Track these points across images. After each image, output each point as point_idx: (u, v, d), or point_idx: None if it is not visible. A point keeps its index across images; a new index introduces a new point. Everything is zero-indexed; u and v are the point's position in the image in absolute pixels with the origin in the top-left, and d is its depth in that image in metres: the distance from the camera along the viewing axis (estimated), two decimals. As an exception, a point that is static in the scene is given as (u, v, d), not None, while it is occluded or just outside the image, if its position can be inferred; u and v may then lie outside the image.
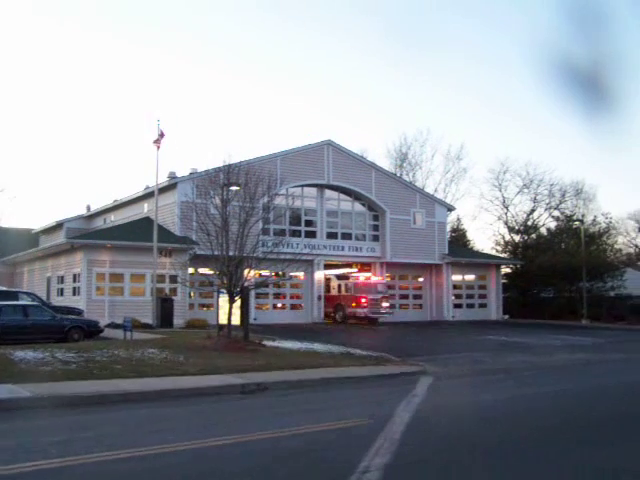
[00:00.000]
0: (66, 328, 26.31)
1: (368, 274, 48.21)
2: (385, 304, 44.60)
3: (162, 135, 34.50)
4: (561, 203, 70.01)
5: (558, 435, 11.49)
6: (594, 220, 67.47)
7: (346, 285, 45.68)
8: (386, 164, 67.97)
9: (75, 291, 37.65)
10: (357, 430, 11.58)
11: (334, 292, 46.25)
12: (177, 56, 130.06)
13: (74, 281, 37.97)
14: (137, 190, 45.15)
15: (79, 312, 32.50)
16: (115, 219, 48.03)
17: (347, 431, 11.53)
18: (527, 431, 11.89)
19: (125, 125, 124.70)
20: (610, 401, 15.94)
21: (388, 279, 49.39)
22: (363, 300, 43.62)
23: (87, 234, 43.98)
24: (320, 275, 45.87)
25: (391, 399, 14.89)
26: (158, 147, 34.58)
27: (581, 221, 60.97)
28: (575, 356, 27.67)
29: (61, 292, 39.99)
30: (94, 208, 53.65)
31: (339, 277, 47.05)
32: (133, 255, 36.98)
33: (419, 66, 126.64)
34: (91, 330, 27.33)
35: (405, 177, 66.23)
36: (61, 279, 40.37)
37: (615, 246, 70.76)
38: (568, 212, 69.30)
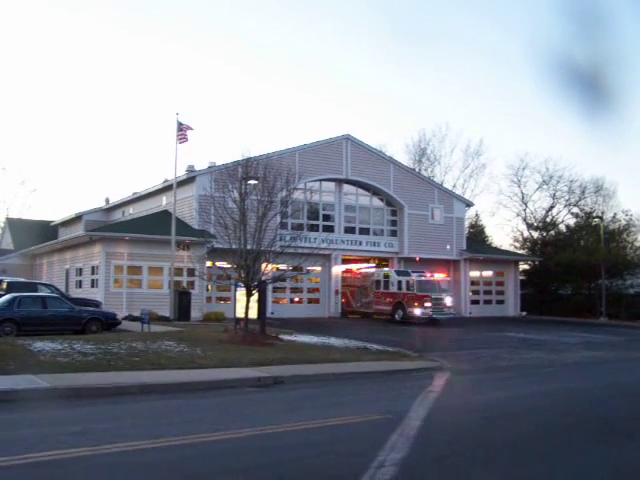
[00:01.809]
0: (84, 320, 26.46)
1: (438, 274, 45.27)
2: (449, 303, 42.50)
3: (187, 128, 34.60)
4: (580, 200, 69.53)
5: (573, 433, 11.45)
6: (614, 217, 67.00)
7: (408, 283, 41.94)
8: (405, 159, 67.89)
9: (93, 283, 37.83)
10: (373, 425, 11.58)
11: (393, 289, 42.71)
12: (198, 51, 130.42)
13: (92, 273, 38.15)
14: (156, 183, 45.28)
15: (97, 304, 32.66)
16: (134, 212, 48.15)
17: (363, 426, 11.54)
18: (543, 428, 11.83)
19: (145, 118, 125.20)
20: (627, 399, 15.84)
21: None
22: (427, 299, 40.79)
23: (106, 227, 44.14)
24: (338, 270, 45.80)
25: (407, 394, 14.88)
26: (183, 140, 34.77)
27: (601, 218, 60.53)
28: (592, 354, 27.55)
29: (79, 284, 40.20)
30: (113, 201, 53.84)
31: (400, 273, 43.79)
32: (151, 248, 37.10)
33: (437, 63, 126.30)
34: (109, 322, 27.46)
35: (424, 172, 66.05)
36: (79, 271, 40.58)
37: (635, 243, 70.26)
38: (588, 209, 68.80)
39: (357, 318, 44.59)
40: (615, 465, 9.34)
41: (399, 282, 42.50)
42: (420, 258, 48.04)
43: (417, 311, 40.73)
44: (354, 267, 47.68)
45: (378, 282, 44.13)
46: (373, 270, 46.06)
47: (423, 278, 42.53)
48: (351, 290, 46.26)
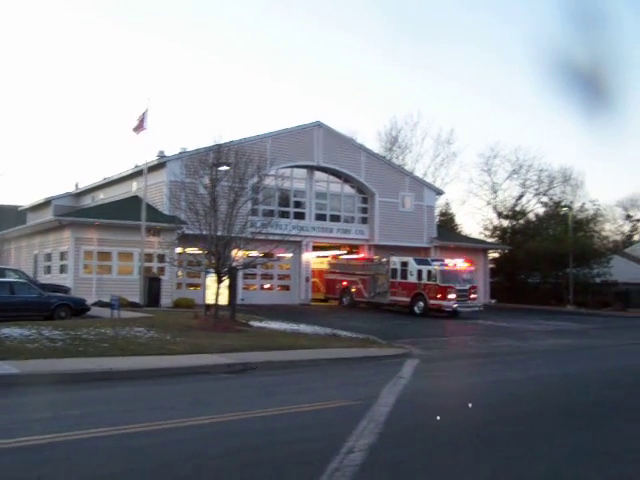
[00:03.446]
0: (53, 306, 26.27)
1: (461, 262, 41.29)
2: (473, 295, 39.71)
3: (141, 126, 34.42)
4: (550, 189, 70.25)
5: (540, 419, 11.61)
6: (582, 207, 67.91)
7: (429, 272, 38.94)
8: (376, 147, 67.85)
9: (62, 269, 37.52)
10: (342, 411, 11.65)
11: (412, 279, 39.70)
12: (169, 37, 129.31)
13: (61, 259, 37.83)
14: (126, 169, 44.96)
15: (66, 290, 32.44)
16: (104, 197, 47.72)
17: (332, 412, 11.60)
18: (510, 414, 12.02)
19: (116, 103, 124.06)
20: (592, 386, 16.07)
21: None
22: (450, 290, 38.06)
23: (75, 212, 43.71)
24: (308, 256, 45.84)
25: (376, 381, 14.98)
26: (140, 130, 34.60)
27: (569, 207, 61.26)
28: (560, 341, 27.91)
29: (48, 270, 39.82)
30: (83, 186, 53.33)
31: (419, 262, 40.69)
32: (121, 234, 36.85)
33: (410, 50, 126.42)
34: (78, 308, 27.29)
35: (395, 160, 66.05)
36: (48, 257, 40.21)
37: (602, 233, 71.24)
38: (556, 198, 69.61)
39: (363, 308, 42.65)
40: (580, 448, 9.49)
41: (419, 271, 39.61)
42: (390, 245, 48.13)
43: (440, 303, 38.17)
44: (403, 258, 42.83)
45: (394, 271, 41.07)
46: (389, 257, 42.60)
47: (446, 268, 39.50)
48: (363, 279, 43.15)
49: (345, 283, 44.34)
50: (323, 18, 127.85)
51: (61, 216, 39.97)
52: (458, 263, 41.12)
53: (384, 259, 42.89)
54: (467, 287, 39.02)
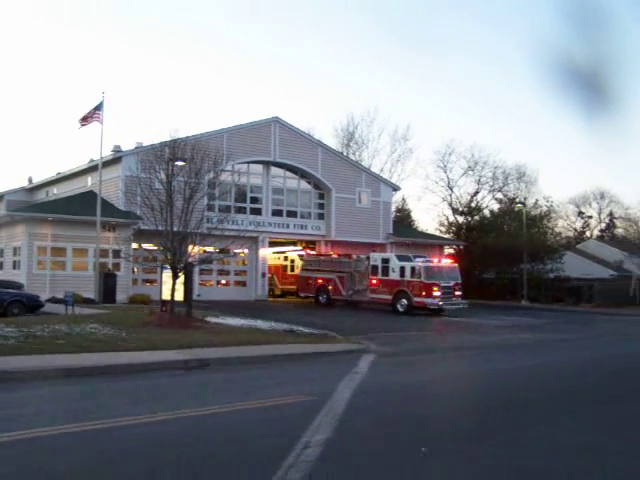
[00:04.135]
0: (5, 302, 25.94)
1: (445, 259, 41.74)
2: (457, 292, 38.90)
3: (88, 118, 34.16)
4: (504, 186, 71.17)
5: (496, 412, 11.76)
6: (536, 203, 68.96)
7: (413, 269, 38.02)
8: (333, 143, 68.04)
9: (15, 265, 37.05)
10: (298, 406, 11.67)
11: (394, 276, 38.67)
12: (125, 32, 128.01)
13: (14, 254, 37.35)
14: (81, 163, 44.51)
15: (19, 286, 32.01)
16: (58, 192, 47.19)
17: (288, 407, 11.61)
18: (467, 407, 12.18)
19: (71, 97, 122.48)
20: (547, 379, 16.31)
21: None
22: (435, 288, 37.20)
23: (29, 207, 43.12)
24: (265, 252, 45.85)
25: (333, 376, 15.01)
26: (85, 124, 34.36)
27: (523, 204, 62.08)
28: (514, 336, 28.25)
29: (1, 266, 39.28)
30: (36, 180, 52.68)
31: (401, 258, 39.74)
32: (76, 229, 36.48)
33: (367, 46, 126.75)
34: (32, 305, 26.95)
35: (351, 156, 66.30)
36: (1, 252, 39.64)
37: (555, 229, 72.37)
38: (511, 195, 70.50)
39: (340, 307, 41.51)
40: (536, 438, 9.64)
41: (402, 268, 38.53)
42: (347, 241, 48.25)
43: (425, 301, 37.34)
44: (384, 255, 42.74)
45: (375, 267, 40.03)
46: (369, 254, 42.19)
47: (430, 264, 38.86)
48: (340, 276, 42.05)
49: (321, 281, 43.16)
50: (280, 15, 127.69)
51: (14, 211, 39.46)
52: (442, 260, 41.19)
53: (363, 255, 42.31)
54: (451, 284, 38.37)
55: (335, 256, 44.10)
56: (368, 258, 41.08)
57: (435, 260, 40.41)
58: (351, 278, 41.36)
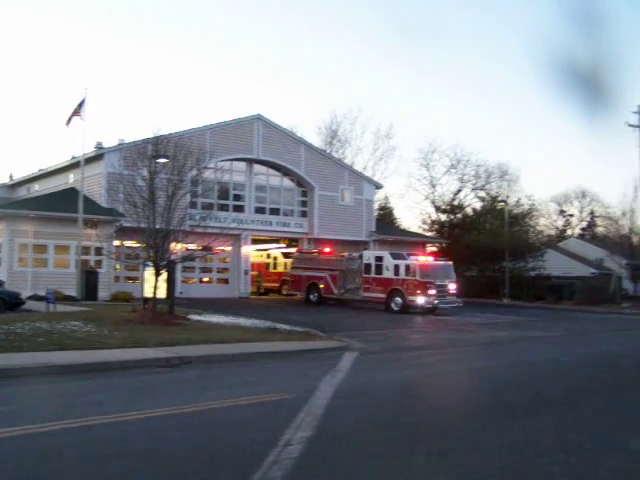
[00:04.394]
0: (-14, 299, 25.81)
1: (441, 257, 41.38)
2: (453, 291, 38.63)
3: (73, 117, 34.06)
4: (487, 184, 71.35)
5: (482, 411, 11.85)
6: (518, 201, 69.23)
7: (407, 267, 37.66)
8: (316, 141, 67.99)
9: (-4, 262, 36.85)
10: (280, 404, 11.69)
11: (388, 274, 38.38)
12: (106, 28, 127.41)
13: (-5, 251, 37.12)
14: (63, 160, 44.34)
15: (0, 283, 31.86)
16: (40, 189, 46.96)
17: (270, 405, 11.63)
18: (450, 406, 12.27)
19: (52, 93, 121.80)
20: (529, 378, 16.42)
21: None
22: (430, 286, 36.95)
23: (10, 203, 42.88)
24: (247, 250, 45.81)
25: (315, 374, 15.03)
26: (69, 122, 34.29)
27: (505, 202, 62.32)
28: (496, 334, 28.34)
29: (-19, 262, 39.06)
30: (17, 177, 52.46)
31: (395, 256, 39.27)
32: (58, 226, 36.31)
33: (350, 44, 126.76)
34: (12, 302, 26.81)
35: (334, 154, 66.31)
36: (-18, 249, 39.40)
37: (537, 227, 72.74)
38: (493, 193, 70.72)
39: (332, 305, 41.10)
40: (514, 439, 9.72)
41: (396, 266, 38.16)
42: (329, 239, 48.22)
43: (420, 300, 36.98)
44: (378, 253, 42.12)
45: (368, 266, 39.64)
46: (362, 252, 42.00)
47: (425, 262, 38.76)
48: (332, 275, 41.51)
49: (312, 279, 42.59)
50: (263, 10, 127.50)
51: (-5, 208, 39.23)
52: (437, 259, 40.90)
53: (355, 253, 42.07)
54: (446, 282, 38.13)
55: (327, 254, 43.56)
56: (361, 256, 40.75)
57: (430, 258, 40.56)
58: (343, 276, 40.99)
